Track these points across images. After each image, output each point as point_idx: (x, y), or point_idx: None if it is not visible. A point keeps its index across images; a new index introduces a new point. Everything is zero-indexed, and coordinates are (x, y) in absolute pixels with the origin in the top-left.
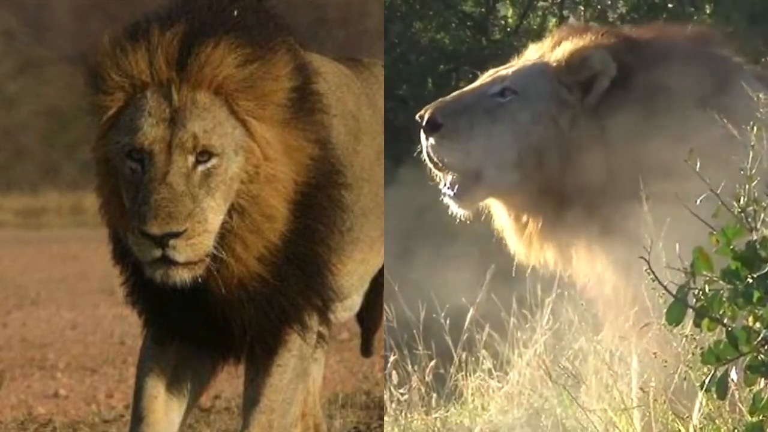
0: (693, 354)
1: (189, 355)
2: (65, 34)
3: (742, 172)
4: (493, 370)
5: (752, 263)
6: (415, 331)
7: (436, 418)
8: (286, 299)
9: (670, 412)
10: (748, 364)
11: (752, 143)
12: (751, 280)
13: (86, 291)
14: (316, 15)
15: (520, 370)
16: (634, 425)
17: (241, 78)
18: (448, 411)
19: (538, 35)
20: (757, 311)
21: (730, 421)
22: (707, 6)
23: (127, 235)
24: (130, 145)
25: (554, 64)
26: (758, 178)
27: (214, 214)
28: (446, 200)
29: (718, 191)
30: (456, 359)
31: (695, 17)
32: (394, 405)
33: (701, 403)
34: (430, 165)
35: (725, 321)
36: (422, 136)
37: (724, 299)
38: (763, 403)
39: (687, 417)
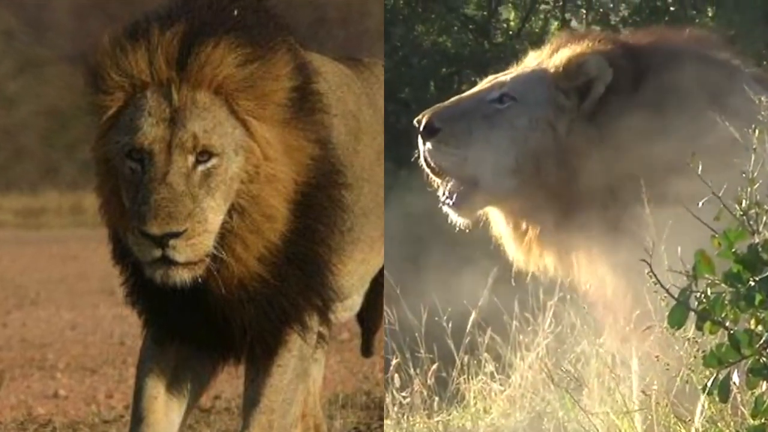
0: (695, 357)
1: (189, 356)
2: (65, 34)
3: (744, 175)
4: (495, 374)
5: (754, 266)
6: (417, 334)
7: (438, 421)
8: (287, 299)
9: (672, 416)
10: (750, 367)
11: (754, 146)
12: (753, 283)
13: (86, 291)
14: (317, 14)
15: (522, 373)
16: (636, 428)
17: (241, 78)
18: (450, 414)
19: (540, 38)
20: (759, 314)
21: (732, 424)
22: (709, 9)
23: (127, 235)
24: (130, 145)
25: (552, 70)
26: (760, 181)
27: (214, 214)
28: (445, 209)
29: (720, 194)
30: (458, 362)
31: (697, 20)
32: (396, 408)
33: (703, 407)
34: (427, 170)
35: (727, 324)
36: (419, 140)
37: (726, 302)
38: (765, 406)
39: (689, 420)
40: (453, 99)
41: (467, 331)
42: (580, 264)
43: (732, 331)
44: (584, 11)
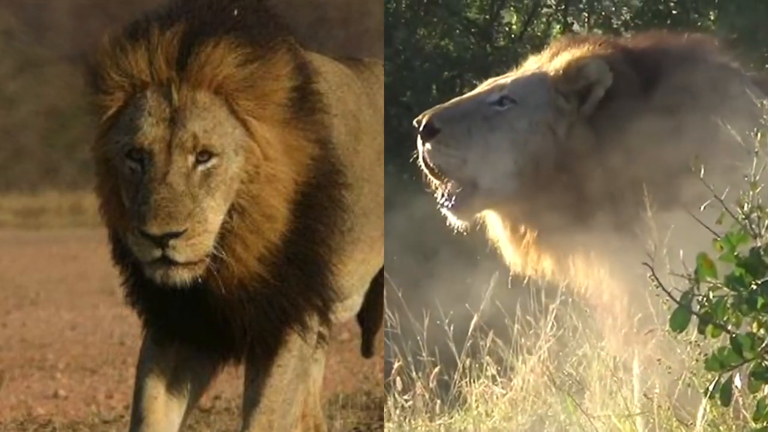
0: (697, 360)
1: (189, 356)
2: (65, 34)
3: (746, 179)
4: (497, 377)
5: (756, 270)
6: (419, 337)
7: (440, 424)
8: (287, 299)
9: (673, 419)
10: (752, 370)
11: (756, 149)
12: (755, 287)
13: (86, 291)
14: (317, 14)
15: (524, 376)
16: None
17: (241, 77)
18: (452, 417)
19: (542, 42)
20: (761, 318)
21: (734, 427)
22: (711, 12)
23: (127, 235)
24: (129, 145)
25: (552, 73)
26: (762, 185)
27: (214, 214)
28: (444, 211)
29: (723, 197)
30: (460, 365)
31: (699, 24)
32: (398, 411)
33: (705, 410)
34: (425, 171)
35: (729, 327)
36: (419, 141)
37: (728, 306)
38: (767, 409)
39: (691, 424)
40: (453, 101)
41: (469, 334)
42: (578, 267)
43: (734, 335)
44: (586, 15)
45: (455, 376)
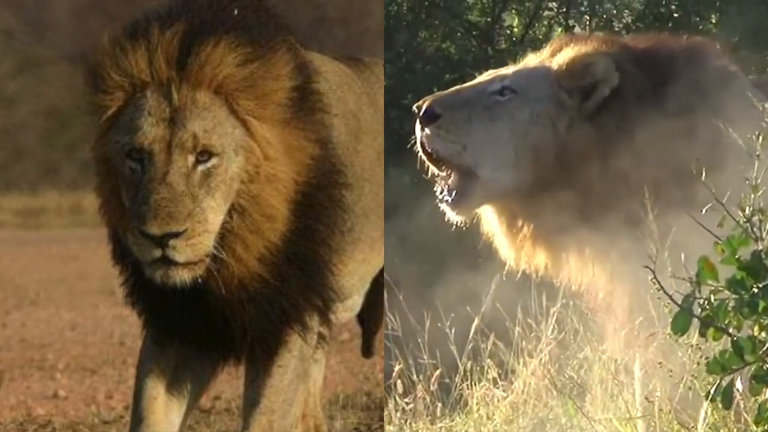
0: (698, 364)
1: (189, 356)
2: (65, 34)
3: (747, 182)
4: (498, 380)
5: (757, 273)
6: (419, 340)
7: (441, 427)
8: (287, 299)
9: (675, 422)
10: (753, 373)
11: (758, 153)
12: (756, 290)
13: (86, 291)
14: (317, 14)
15: (525, 379)
16: None
17: (241, 77)
18: (453, 420)
19: (543, 45)
20: (762, 321)
21: (735, 430)
22: (713, 15)
23: (127, 235)
24: (129, 145)
25: (556, 67)
26: (764, 188)
27: (214, 214)
28: (443, 206)
29: (725, 200)
30: (461, 368)
31: (701, 27)
32: (399, 414)
33: (706, 413)
34: (423, 156)
35: (730, 330)
36: (417, 127)
37: (729, 309)
38: None
39: (692, 427)
40: (453, 88)
41: (470, 337)
42: (572, 264)
43: (735, 338)
44: (588, 18)
45: (456, 379)
